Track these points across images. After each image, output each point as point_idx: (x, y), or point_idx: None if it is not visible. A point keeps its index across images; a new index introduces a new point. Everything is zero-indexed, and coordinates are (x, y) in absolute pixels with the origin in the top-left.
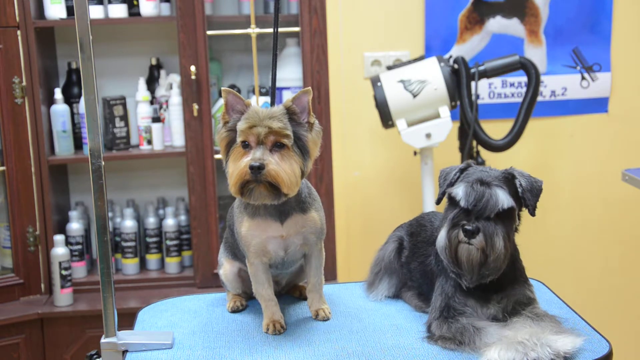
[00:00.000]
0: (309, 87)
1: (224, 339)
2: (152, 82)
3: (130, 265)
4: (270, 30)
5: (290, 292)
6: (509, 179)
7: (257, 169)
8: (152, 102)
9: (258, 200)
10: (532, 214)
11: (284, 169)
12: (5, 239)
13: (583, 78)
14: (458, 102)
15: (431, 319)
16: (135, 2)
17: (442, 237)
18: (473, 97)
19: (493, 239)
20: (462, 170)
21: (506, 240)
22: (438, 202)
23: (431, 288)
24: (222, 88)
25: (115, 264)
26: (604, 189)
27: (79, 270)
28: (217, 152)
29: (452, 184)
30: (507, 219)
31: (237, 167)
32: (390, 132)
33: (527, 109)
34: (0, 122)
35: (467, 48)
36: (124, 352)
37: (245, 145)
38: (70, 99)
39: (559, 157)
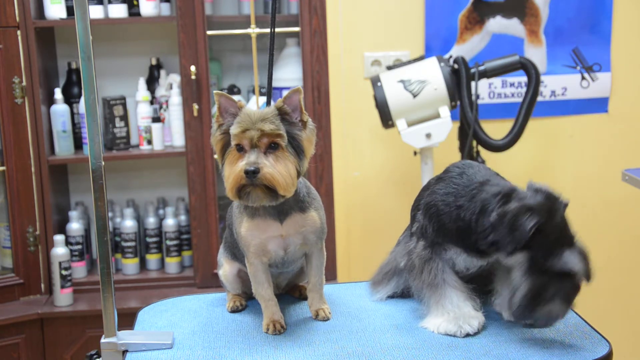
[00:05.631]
0: (299, 86)
1: (224, 339)
2: (152, 82)
3: (130, 265)
4: None
5: (290, 292)
6: None
7: (252, 173)
8: (152, 102)
9: (256, 202)
10: None
11: (279, 170)
12: (5, 239)
13: (583, 78)
14: (458, 102)
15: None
16: (135, 2)
17: None
18: (473, 97)
19: None
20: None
21: None
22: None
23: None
24: (214, 92)
25: (115, 264)
26: (604, 189)
27: (79, 270)
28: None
29: None
30: None
31: (232, 171)
32: (390, 132)
33: (527, 109)
34: (0, 122)
35: (467, 48)
36: (124, 352)
37: (240, 149)
38: (70, 99)
39: (559, 157)
